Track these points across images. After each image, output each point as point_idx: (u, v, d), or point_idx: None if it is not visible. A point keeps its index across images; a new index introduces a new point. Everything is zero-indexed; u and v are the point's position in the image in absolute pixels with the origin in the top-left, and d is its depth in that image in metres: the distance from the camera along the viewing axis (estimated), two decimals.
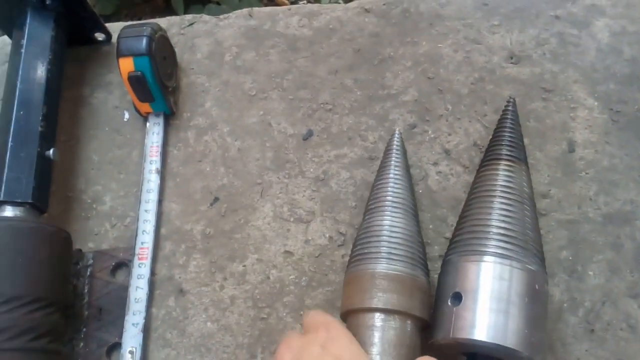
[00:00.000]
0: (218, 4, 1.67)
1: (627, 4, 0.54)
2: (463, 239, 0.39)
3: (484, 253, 0.37)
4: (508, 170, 0.41)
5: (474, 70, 0.52)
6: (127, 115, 0.54)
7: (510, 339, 0.34)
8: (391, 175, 0.44)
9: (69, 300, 0.44)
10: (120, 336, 0.44)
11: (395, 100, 0.52)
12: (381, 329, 0.37)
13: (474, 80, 0.51)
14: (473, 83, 0.51)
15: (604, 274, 0.42)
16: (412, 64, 0.53)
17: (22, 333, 0.37)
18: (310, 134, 0.51)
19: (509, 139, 0.43)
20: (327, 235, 0.47)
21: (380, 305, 0.37)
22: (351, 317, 0.39)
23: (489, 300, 0.35)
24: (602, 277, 0.42)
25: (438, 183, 0.48)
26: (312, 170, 0.50)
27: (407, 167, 0.46)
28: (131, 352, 0.44)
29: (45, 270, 0.40)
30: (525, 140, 0.47)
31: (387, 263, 0.39)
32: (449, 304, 0.37)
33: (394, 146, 0.46)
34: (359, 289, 0.39)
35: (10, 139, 0.44)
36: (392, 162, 0.45)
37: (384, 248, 0.40)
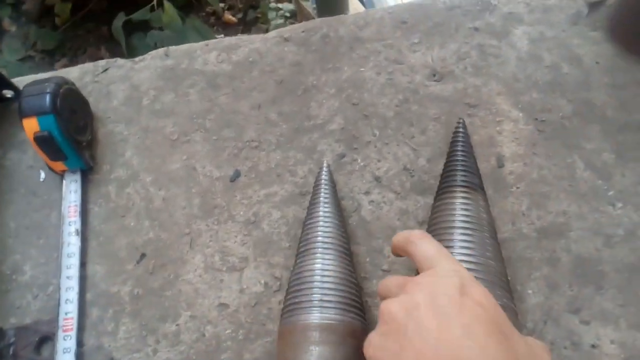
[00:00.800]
0: (161, 29, 1.64)
1: (544, 9, 0.53)
2: None
3: None
4: (465, 199, 0.39)
5: (398, 92, 0.51)
6: (43, 175, 0.51)
7: None
8: (320, 214, 0.42)
9: None
10: None
11: (322, 131, 0.50)
12: None
13: (398, 102, 0.50)
14: (398, 105, 0.50)
15: (542, 291, 0.41)
16: (335, 91, 0.52)
17: None
18: (237, 174, 0.49)
19: (462, 165, 0.42)
20: (262, 282, 0.45)
21: None
22: None
23: None
24: (541, 295, 0.41)
25: (371, 213, 0.46)
26: (242, 213, 0.48)
27: (336, 203, 0.44)
28: None
29: None
30: None
31: (319, 312, 0.37)
32: None
33: (322, 181, 0.45)
34: (292, 343, 0.37)
35: None
36: (321, 199, 0.43)
37: (316, 295, 0.38)
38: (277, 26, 1.83)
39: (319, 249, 0.40)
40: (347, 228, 0.44)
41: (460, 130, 0.44)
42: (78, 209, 0.48)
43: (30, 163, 0.52)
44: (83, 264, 0.47)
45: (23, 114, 0.45)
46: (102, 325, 0.45)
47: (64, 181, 0.49)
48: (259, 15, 1.98)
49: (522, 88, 0.49)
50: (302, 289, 0.39)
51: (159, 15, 1.58)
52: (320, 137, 0.50)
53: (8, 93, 0.54)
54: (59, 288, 0.45)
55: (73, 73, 0.55)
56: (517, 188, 0.45)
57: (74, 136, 0.47)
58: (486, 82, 0.50)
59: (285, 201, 0.48)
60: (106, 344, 0.44)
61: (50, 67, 1.88)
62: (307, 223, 0.43)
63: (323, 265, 0.39)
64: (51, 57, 1.93)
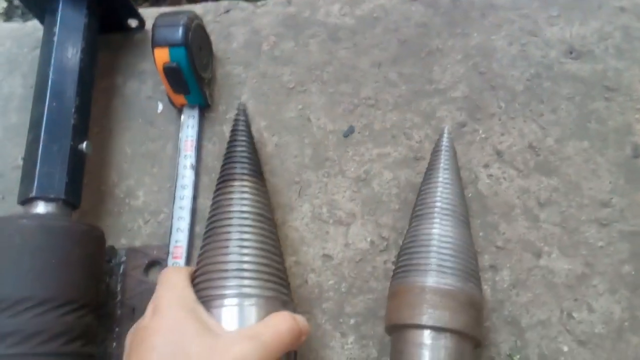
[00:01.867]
0: None
1: None
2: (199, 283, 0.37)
3: (223, 296, 0.35)
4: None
5: (530, 66, 0.48)
6: (160, 107, 0.52)
7: None
8: (440, 179, 0.41)
9: (102, 301, 0.43)
10: None
11: (443, 96, 0.49)
12: (431, 348, 0.35)
13: (529, 76, 0.48)
14: (529, 79, 0.48)
15: None
16: (462, 57, 0.50)
17: (55, 337, 0.36)
18: (351, 130, 0.49)
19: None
20: (369, 240, 0.45)
21: (430, 323, 0.35)
22: (398, 332, 0.37)
23: None
24: None
25: (489, 187, 0.45)
26: (352, 169, 0.47)
27: (457, 170, 0.43)
28: None
29: (78, 272, 0.39)
30: (585, 143, 0.44)
31: (437, 276, 0.36)
32: None
33: (443, 146, 0.43)
34: (407, 304, 0.36)
35: (42, 133, 0.43)
36: (441, 165, 0.42)
37: (434, 259, 0.37)
38: None
39: (437, 214, 0.40)
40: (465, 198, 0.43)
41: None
42: (194, 144, 0.49)
43: (149, 94, 0.53)
44: (194, 198, 0.48)
45: (155, 44, 0.46)
46: None
47: (182, 115, 0.50)
48: None
49: None
50: (419, 251, 0.38)
51: None
52: (441, 103, 0.48)
53: (133, 22, 0.55)
54: (171, 216, 0.47)
55: (196, 10, 0.55)
56: None
57: (199, 72, 0.48)
58: (629, 67, 0.47)
59: (399, 163, 0.47)
60: None
61: None
62: (424, 187, 0.42)
63: (441, 231, 0.39)
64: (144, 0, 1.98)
